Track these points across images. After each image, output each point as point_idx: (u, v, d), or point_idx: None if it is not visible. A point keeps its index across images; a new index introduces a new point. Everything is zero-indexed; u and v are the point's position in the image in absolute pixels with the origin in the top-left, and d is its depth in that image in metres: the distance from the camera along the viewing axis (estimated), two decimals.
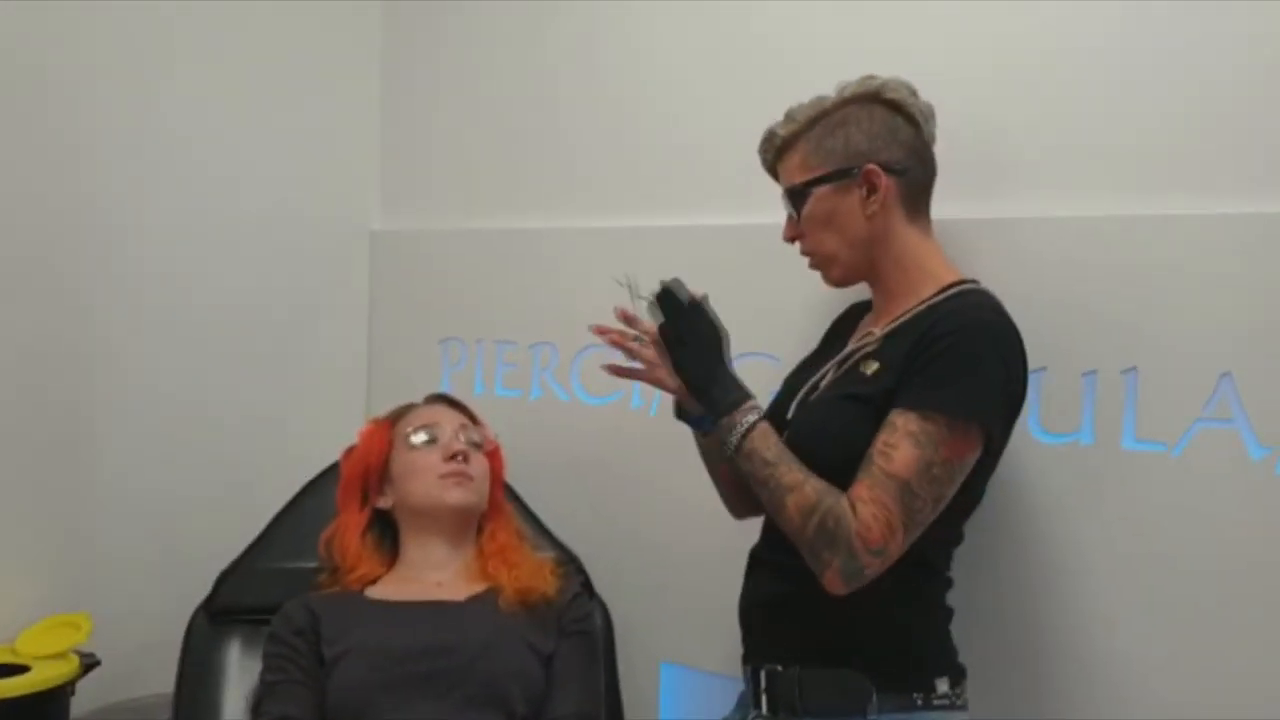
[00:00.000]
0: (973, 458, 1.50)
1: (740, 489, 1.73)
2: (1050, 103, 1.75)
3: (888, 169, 1.58)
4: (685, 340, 1.63)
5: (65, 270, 2.15)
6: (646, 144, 2.21)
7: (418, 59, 2.58)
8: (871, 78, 1.62)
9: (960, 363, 1.48)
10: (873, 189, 1.58)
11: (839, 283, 1.68)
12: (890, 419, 1.49)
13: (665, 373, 1.66)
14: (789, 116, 1.64)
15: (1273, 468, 1.54)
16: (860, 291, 1.74)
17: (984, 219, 1.73)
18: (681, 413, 1.70)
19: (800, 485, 1.50)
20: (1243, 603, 1.57)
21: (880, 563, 1.46)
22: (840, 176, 1.59)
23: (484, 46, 2.45)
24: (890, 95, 1.61)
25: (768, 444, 1.54)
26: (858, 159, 1.58)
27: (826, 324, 1.81)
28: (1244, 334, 1.57)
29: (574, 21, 2.32)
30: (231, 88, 2.37)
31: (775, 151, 1.66)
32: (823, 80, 1.65)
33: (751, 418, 1.56)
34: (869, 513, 1.45)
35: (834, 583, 1.47)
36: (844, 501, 1.47)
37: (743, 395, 1.59)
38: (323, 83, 2.53)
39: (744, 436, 1.54)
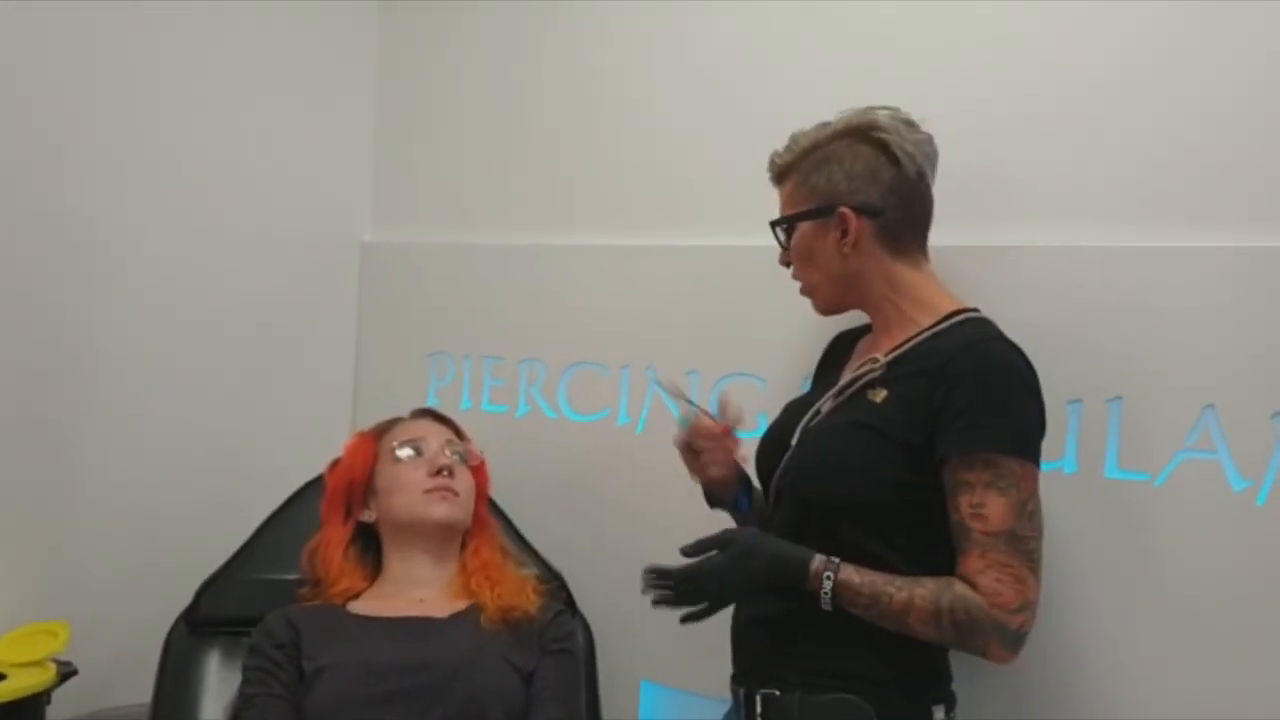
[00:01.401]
0: (1038, 484, 1.51)
1: None
2: (1041, 135, 1.76)
3: (861, 211, 1.59)
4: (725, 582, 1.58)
5: (50, 280, 2.14)
6: (638, 163, 2.22)
7: (412, 73, 2.59)
8: (869, 111, 1.62)
9: (999, 399, 1.49)
10: (845, 231, 1.60)
11: (824, 312, 1.71)
12: (961, 479, 1.48)
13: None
14: (791, 141, 1.66)
15: (1254, 499, 1.56)
16: (848, 319, 1.75)
17: (971, 246, 1.74)
18: (713, 505, 1.77)
19: (910, 601, 1.47)
20: (1224, 632, 1.58)
21: (1029, 614, 1.46)
22: (818, 215, 1.62)
23: (478, 62, 2.46)
24: (877, 134, 1.61)
25: (852, 585, 1.49)
26: (834, 199, 1.60)
27: (815, 346, 1.82)
28: (1228, 367, 1.58)
29: (567, 39, 2.33)
30: (225, 99, 2.36)
31: (776, 174, 1.69)
32: (818, 107, 1.66)
33: (828, 580, 1.50)
34: (990, 580, 1.45)
35: (1001, 657, 1.47)
36: (958, 586, 1.46)
37: (805, 555, 1.53)
38: (317, 95, 2.54)
39: (833, 596, 1.50)
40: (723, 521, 1.75)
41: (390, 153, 2.62)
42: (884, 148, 1.61)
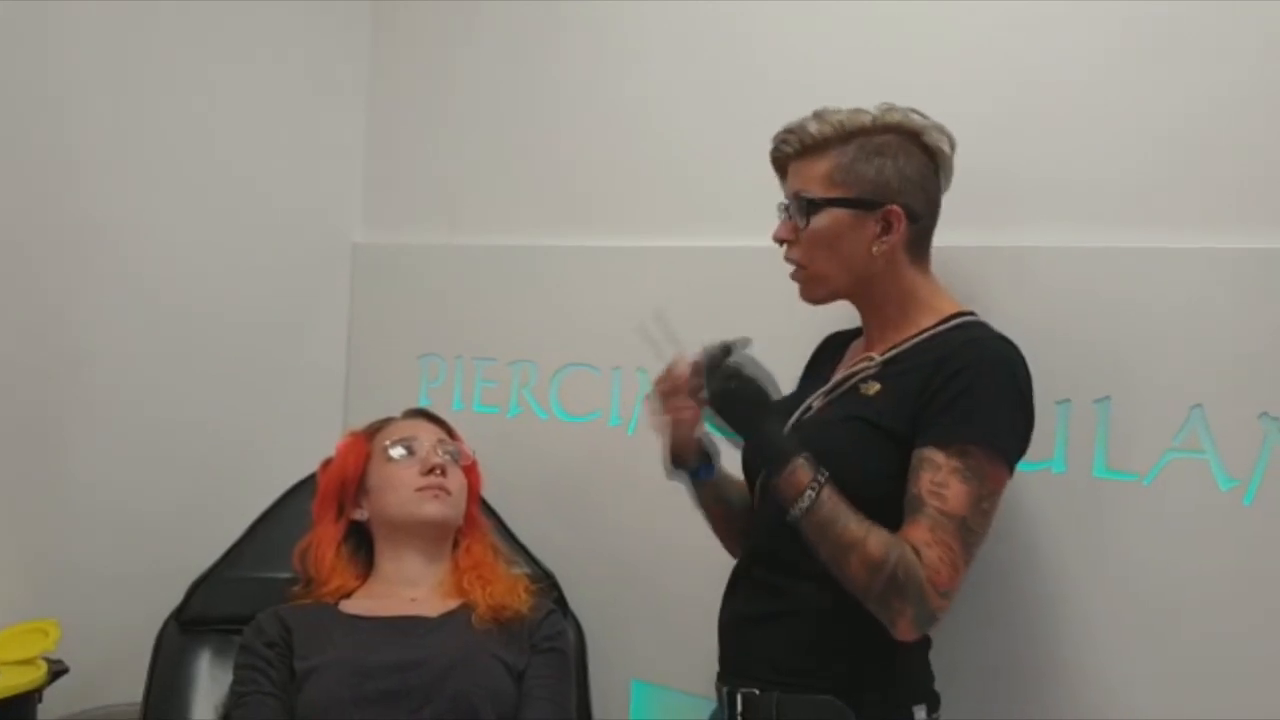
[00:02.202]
0: (1004, 487, 1.51)
1: (736, 530, 1.75)
2: (1029, 137, 1.77)
3: (907, 214, 1.57)
4: (730, 393, 1.59)
5: (42, 277, 2.14)
6: (630, 164, 2.22)
7: (404, 73, 2.59)
8: (916, 113, 1.60)
9: (987, 396, 1.49)
10: (887, 229, 1.57)
11: (818, 301, 1.66)
12: (928, 456, 1.48)
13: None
14: (820, 116, 1.59)
15: (1241, 499, 1.56)
16: (838, 320, 1.75)
17: (961, 246, 1.75)
18: (677, 466, 1.73)
19: (864, 539, 1.45)
20: (1212, 631, 1.59)
21: (947, 604, 1.46)
22: (862, 206, 1.56)
23: (470, 63, 2.47)
24: (930, 141, 1.59)
25: (826, 503, 1.48)
26: (884, 195, 1.56)
27: (808, 346, 1.82)
28: (1215, 367, 1.59)
29: (561, 40, 2.34)
30: (217, 97, 2.37)
31: (799, 146, 1.60)
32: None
33: (811, 492, 1.48)
34: (935, 555, 1.44)
35: (907, 630, 1.46)
36: (908, 550, 1.45)
37: (792, 449, 1.52)
38: (308, 96, 2.54)
39: (809, 509, 1.48)
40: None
41: (382, 154, 2.62)
42: (932, 156, 1.60)
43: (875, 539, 1.45)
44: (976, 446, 1.47)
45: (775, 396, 1.61)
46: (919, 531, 1.45)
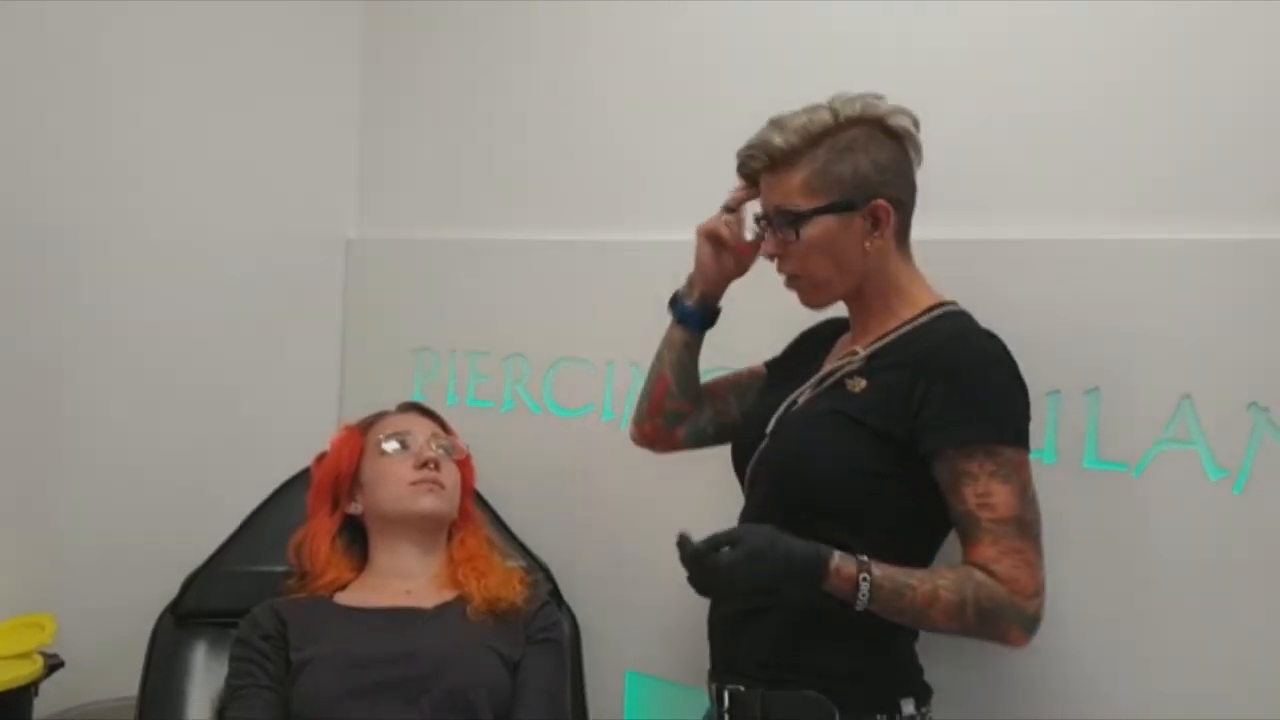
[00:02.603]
0: (1032, 472, 1.52)
1: (661, 394, 1.79)
2: (1019, 130, 1.78)
3: (893, 204, 1.56)
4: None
5: (36, 272, 2.15)
6: (623, 158, 2.23)
7: (397, 68, 2.60)
8: (874, 100, 1.58)
9: (994, 391, 1.51)
10: (877, 223, 1.56)
11: (820, 305, 1.66)
12: (962, 470, 1.48)
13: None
14: (780, 126, 1.57)
15: (1230, 489, 1.58)
16: (822, 311, 1.76)
17: (953, 239, 1.76)
18: (681, 298, 1.77)
19: (934, 594, 1.44)
20: (1200, 620, 1.60)
21: (1041, 598, 1.47)
22: (847, 208, 1.55)
23: (463, 58, 2.47)
24: (895, 123, 1.58)
25: (883, 582, 1.44)
26: (866, 191, 1.55)
27: (793, 338, 1.82)
28: (1205, 358, 1.60)
29: (552, 35, 2.34)
30: (209, 92, 2.38)
31: (769, 162, 1.58)
32: (805, 101, 1.63)
33: (865, 583, 1.43)
34: (1007, 566, 1.45)
35: (1019, 640, 1.48)
36: (978, 575, 1.45)
37: (823, 555, 1.45)
38: (301, 92, 2.54)
39: (870, 598, 1.44)
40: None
41: (375, 149, 2.63)
42: (901, 139, 1.58)
43: (945, 585, 1.45)
44: (1000, 445, 1.48)
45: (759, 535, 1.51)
46: (984, 550, 1.47)
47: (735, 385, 1.84)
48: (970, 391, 1.50)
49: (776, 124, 1.58)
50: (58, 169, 2.17)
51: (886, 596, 1.44)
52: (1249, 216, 1.60)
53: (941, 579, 1.46)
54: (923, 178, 1.65)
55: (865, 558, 1.45)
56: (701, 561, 1.43)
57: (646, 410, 1.82)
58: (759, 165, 1.60)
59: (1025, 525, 1.48)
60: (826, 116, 1.56)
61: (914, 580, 1.46)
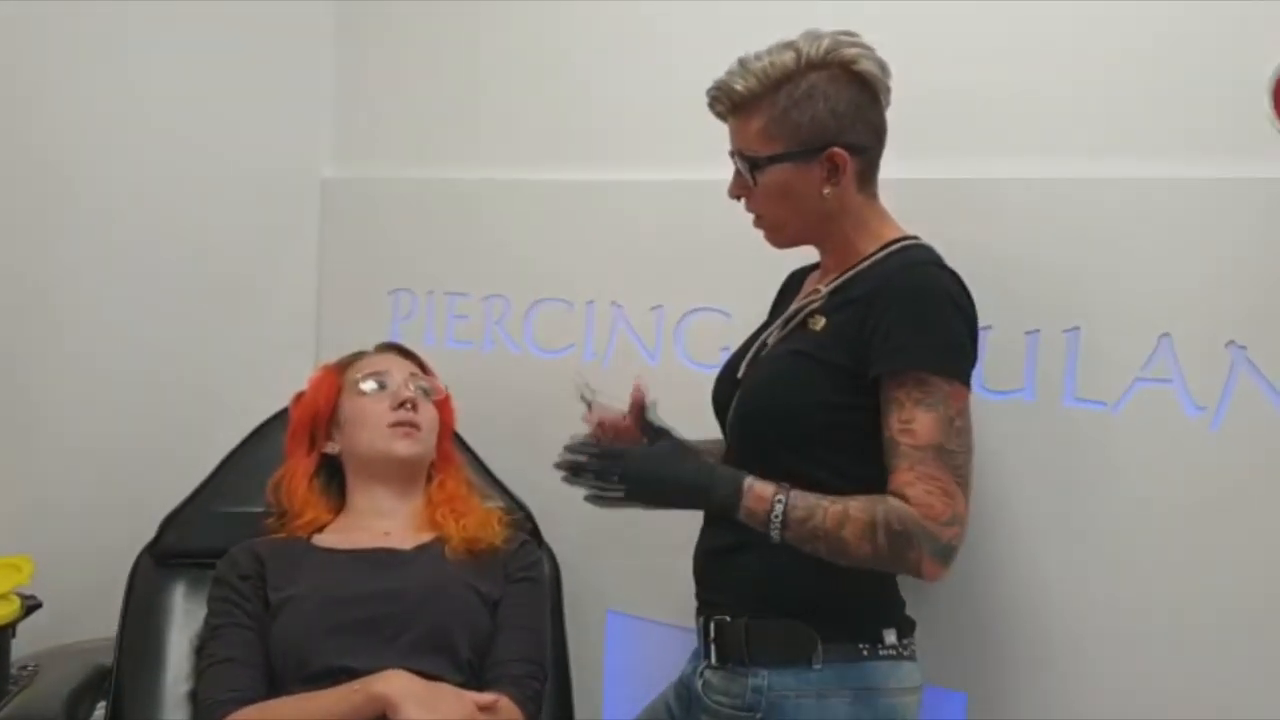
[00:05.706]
0: (968, 403, 1.51)
1: None
2: (996, 66, 1.77)
3: (851, 150, 1.55)
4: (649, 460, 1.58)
5: (7, 215, 2.12)
6: (602, 97, 2.21)
7: (372, 7, 2.55)
8: (840, 40, 1.56)
9: (925, 319, 1.50)
10: (834, 171, 1.56)
11: (782, 246, 1.67)
12: (891, 396, 1.49)
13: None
14: (744, 68, 1.56)
15: (1208, 426, 1.59)
16: (804, 255, 1.75)
17: (930, 179, 1.75)
18: None
19: (845, 514, 1.46)
20: (1177, 556, 1.62)
21: (960, 529, 1.46)
22: (803, 156, 1.55)
23: None
24: (862, 69, 1.56)
25: (798, 501, 1.49)
26: (823, 138, 1.54)
27: (777, 279, 1.82)
28: (1183, 297, 1.61)
29: None
30: (183, 32, 2.33)
31: (730, 105, 1.59)
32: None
33: (779, 504, 1.49)
34: (920, 491, 1.45)
35: (933, 571, 1.47)
36: (891, 499, 1.46)
37: (735, 479, 1.52)
38: (275, 29, 2.50)
39: (785, 519, 1.48)
40: None
41: (350, 86, 2.59)
42: (865, 83, 1.57)
43: (856, 506, 1.47)
44: (928, 372, 1.48)
45: (675, 440, 1.62)
46: (900, 476, 1.47)
47: None
48: (908, 319, 1.50)
49: (742, 63, 1.57)
50: (29, 111, 2.13)
51: (800, 517, 1.48)
52: (1228, 155, 1.60)
53: (854, 501, 1.47)
54: (898, 117, 1.63)
55: (787, 485, 1.50)
56: (618, 450, 1.57)
57: None
58: (723, 109, 1.61)
59: (946, 454, 1.46)
60: (789, 59, 1.55)
61: (826, 501, 1.48)
